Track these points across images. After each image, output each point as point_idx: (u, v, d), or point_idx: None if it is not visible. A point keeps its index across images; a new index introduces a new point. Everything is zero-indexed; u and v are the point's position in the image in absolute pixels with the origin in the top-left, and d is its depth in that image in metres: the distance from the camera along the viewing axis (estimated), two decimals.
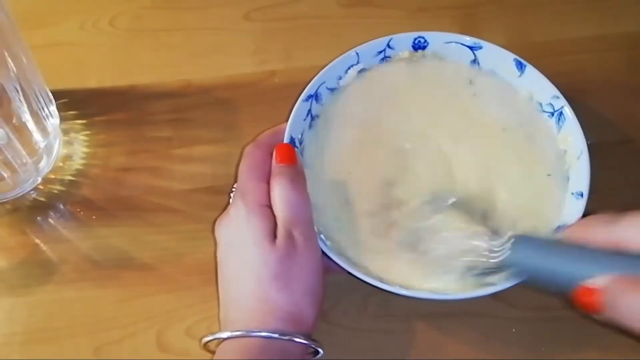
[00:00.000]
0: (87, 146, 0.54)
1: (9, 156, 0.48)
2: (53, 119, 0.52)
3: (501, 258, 0.41)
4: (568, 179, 0.47)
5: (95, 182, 0.52)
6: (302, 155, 0.47)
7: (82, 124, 0.55)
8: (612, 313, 0.33)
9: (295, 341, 0.39)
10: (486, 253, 0.42)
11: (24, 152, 0.49)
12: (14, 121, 0.47)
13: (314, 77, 0.49)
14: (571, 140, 0.47)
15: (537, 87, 0.49)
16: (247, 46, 0.58)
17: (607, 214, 0.36)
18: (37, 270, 0.49)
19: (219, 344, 0.41)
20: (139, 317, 0.47)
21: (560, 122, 0.48)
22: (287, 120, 0.47)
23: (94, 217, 0.51)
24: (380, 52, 0.51)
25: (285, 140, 0.46)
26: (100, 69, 0.57)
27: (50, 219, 0.51)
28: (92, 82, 0.56)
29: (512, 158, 0.48)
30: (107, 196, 0.52)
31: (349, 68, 0.50)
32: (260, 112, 0.55)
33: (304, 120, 0.49)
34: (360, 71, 0.51)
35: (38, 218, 0.51)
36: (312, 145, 0.48)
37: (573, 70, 0.56)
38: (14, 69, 0.46)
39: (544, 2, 0.60)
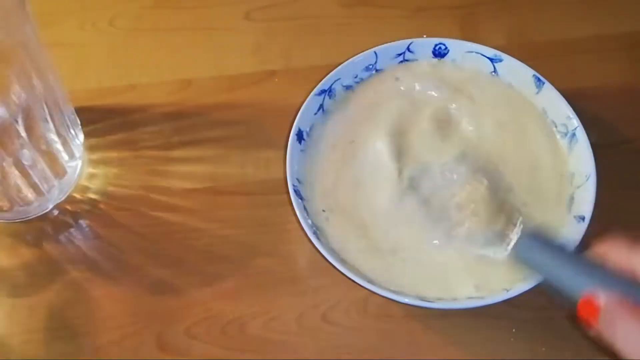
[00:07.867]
0: (85, 144, 0.53)
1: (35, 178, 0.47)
2: (78, 139, 0.51)
3: (508, 248, 0.41)
4: (573, 200, 0.46)
5: (93, 182, 0.52)
6: (309, 147, 0.48)
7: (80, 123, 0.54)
8: (606, 332, 0.33)
9: None
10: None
11: (50, 174, 0.48)
12: (42, 146, 0.46)
13: (319, 74, 0.49)
14: (580, 163, 0.47)
15: (553, 105, 0.49)
16: (248, 46, 0.58)
17: (630, 237, 0.35)
18: (38, 271, 0.49)
19: None
20: (139, 317, 0.47)
21: (572, 144, 0.48)
22: (295, 114, 0.48)
23: (93, 217, 0.51)
24: (400, 54, 0.51)
25: (293, 132, 0.47)
26: (100, 69, 0.57)
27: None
28: (91, 82, 0.56)
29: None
30: (106, 196, 0.51)
31: (367, 67, 0.51)
32: (261, 112, 0.55)
33: (315, 114, 0.49)
34: (378, 70, 0.51)
35: None
36: (321, 138, 0.49)
37: (572, 70, 0.56)
38: (41, 88, 0.44)
39: (543, 2, 0.60)
